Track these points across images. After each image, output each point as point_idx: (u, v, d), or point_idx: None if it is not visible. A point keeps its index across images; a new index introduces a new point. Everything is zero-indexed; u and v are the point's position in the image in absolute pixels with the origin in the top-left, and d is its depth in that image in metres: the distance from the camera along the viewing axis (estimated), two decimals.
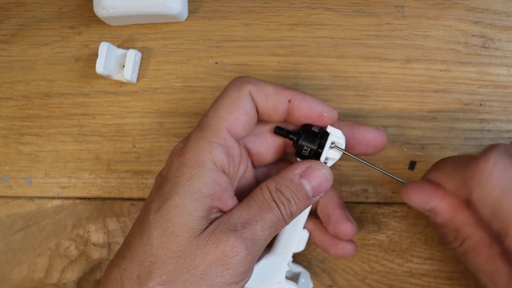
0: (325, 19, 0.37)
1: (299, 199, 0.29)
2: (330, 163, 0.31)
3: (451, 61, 0.37)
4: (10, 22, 0.39)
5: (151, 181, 0.37)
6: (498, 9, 0.37)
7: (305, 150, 0.30)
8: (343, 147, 0.30)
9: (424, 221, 0.36)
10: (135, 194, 0.37)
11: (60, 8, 0.39)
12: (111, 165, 0.37)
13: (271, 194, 0.29)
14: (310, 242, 0.34)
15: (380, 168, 0.31)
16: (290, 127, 0.32)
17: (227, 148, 0.29)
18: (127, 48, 0.37)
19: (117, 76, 0.37)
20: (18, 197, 0.38)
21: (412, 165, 0.36)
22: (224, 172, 0.29)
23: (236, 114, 0.29)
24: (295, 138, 0.31)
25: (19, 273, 0.37)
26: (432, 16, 0.37)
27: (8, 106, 0.38)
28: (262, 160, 0.33)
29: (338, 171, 0.37)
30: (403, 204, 0.36)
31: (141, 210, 0.30)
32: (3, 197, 0.38)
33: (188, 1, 0.38)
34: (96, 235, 0.37)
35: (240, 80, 0.30)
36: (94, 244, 0.37)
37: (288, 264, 0.32)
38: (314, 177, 0.30)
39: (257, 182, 0.33)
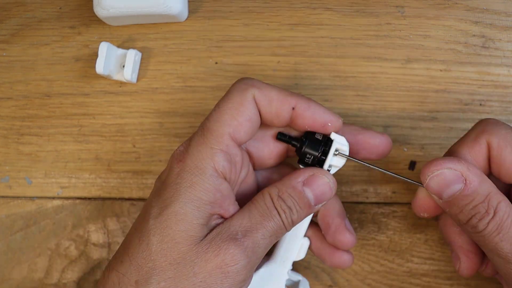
0: (325, 19, 0.37)
1: (300, 207, 0.29)
2: (333, 171, 0.30)
3: (451, 61, 0.37)
4: (10, 22, 0.39)
5: (151, 181, 0.37)
6: (498, 9, 0.37)
7: (308, 157, 0.30)
8: (347, 154, 0.30)
9: (424, 221, 0.36)
10: (135, 194, 0.37)
11: (60, 8, 0.39)
12: (111, 165, 0.37)
13: (272, 202, 0.28)
14: (308, 248, 0.33)
15: (393, 173, 0.30)
16: (293, 133, 0.31)
17: (229, 155, 0.28)
18: (127, 48, 0.37)
19: (117, 76, 0.37)
20: (18, 197, 0.38)
21: (412, 165, 0.36)
22: (225, 178, 0.28)
23: (240, 120, 0.28)
24: (298, 145, 0.30)
25: (19, 273, 0.37)
26: (432, 16, 0.37)
27: (8, 106, 0.38)
28: (263, 164, 0.32)
29: (338, 171, 0.36)
30: (403, 204, 0.36)
31: (140, 214, 0.29)
32: (3, 197, 0.38)
33: (188, 1, 0.38)
34: (96, 235, 0.37)
35: (244, 83, 0.29)
36: (94, 244, 0.37)
37: (287, 273, 0.32)
38: (317, 185, 0.29)
39: (258, 186, 0.33)
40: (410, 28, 0.37)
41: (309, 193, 0.29)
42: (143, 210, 0.29)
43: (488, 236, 0.27)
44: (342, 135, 0.30)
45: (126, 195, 0.37)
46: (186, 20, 0.38)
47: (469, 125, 0.36)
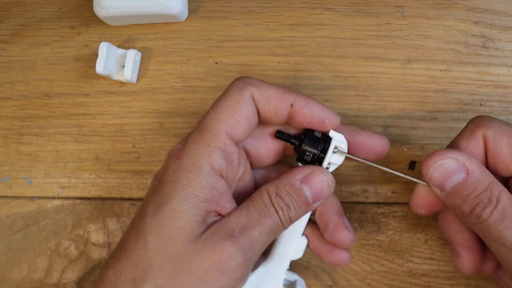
0: (325, 19, 0.37)
1: (298, 205, 0.29)
2: (332, 168, 0.30)
3: (451, 61, 0.37)
4: (10, 22, 0.39)
5: (151, 181, 0.37)
6: (498, 9, 0.37)
7: (307, 155, 0.30)
8: (346, 152, 0.30)
9: (424, 221, 0.36)
10: (135, 194, 0.37)
11: (60, 8, 0.39)
12: (111, 165, 0.37)
13: (270, 199, 0.28)
14: (306, 247, 0.33)
15: (392, 169, 0.30)
16: (292, 131, 0.31)
17: (226, 153, 0.28)
18: (127, 48, 0.37)
19: (117, 76, 0.37)
20: (18, 197, 0.38)
21: (412, 165, 0.36)
22: (222, 176, 0.28)
23: (237, 118, 0.28)
24: (297, 143, 0.30)
25: (19, 273, 0.37)
26: (432, 16, 0.37)
27: (8, 106, 0.38)
28: (261, 163, 0.32)
29: (338, 171, 0.36)
30: (403, 204, 0.36)
31: (137, 213, 0.29)
32: (3, 197, 0.38)
33: (188, 1, 0.38)
34: (96, 235, 0.37)
35: (242, 81, 0.29)
36: (94, 244, 0.37)
37: (285, 272, 0.32)
38: (316, 183, 0.29)
39: (256, 184, 0.33)
40: (410, 28, 0.37)
41: (307, 191, 0.29)
42: (140, 209, 0.29)
43: (493, 225, 0.27)
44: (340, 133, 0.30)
45: (126, 195, 0.37)
46: (186, 20, 0.38)
47: None
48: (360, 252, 0.36)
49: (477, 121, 0.29)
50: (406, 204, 0.36)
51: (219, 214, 0.28)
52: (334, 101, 0.37)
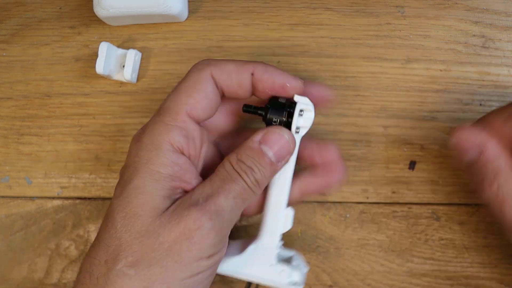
0: (325, 19, 0.37)
1: (262, 166, 0.29)
2: (303, 132, 0.30)
3: (451, 61, 0.37)
4: (10, 22, 0.39)
5: None
6: (498, 9, 0.37)
7: (274, 122, 0.30)
8: (313, 113, 0.30)
9: (424, 221, 0.36)
10: None
11: (60, 8, 0.39)
12: (111, 165, 0.37)
13: (232, 166, 0.28)
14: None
15: None
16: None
17: (185, 131, 0.29)
18: (127, 48, 0.37)
19: (117, 76, 0.37)
20: (18, 197, 0.38)
21: (412, 165, 0.36)
22: (183, 153, 0.29)
23: (196, 98, 0.29)
24: (264, 113, 0.30)
25: (19, 273, 0.37)
26: (432, 16, 0.37)
27: (8, 106, 0.38)
28: (219, 128, 0.32)
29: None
30: (403, 204, 0.36)
31: None
32: (3, 197, 0.38)
33: (188, 1, 0.38)
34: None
35: (201, 63, 0.30)
36: None
37: (278, 247, 0.32)
38: (274, 141, 0.29)
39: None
40: (410, 28, 0.37)
41: (268, 150, 0.29)
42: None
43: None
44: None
45: None
46: (186, 20, 0.38)
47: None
48: (360, 252, 0.36)
49: None
50: (406, 204, 0.36)
51: (186, 191, 0.29)
52: (334, 101, 0.37)
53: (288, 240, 0.36)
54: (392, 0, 0.37)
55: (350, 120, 0.37)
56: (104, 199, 0.38)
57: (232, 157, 0.29)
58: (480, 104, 0.36)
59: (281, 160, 0.30)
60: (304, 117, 0.30)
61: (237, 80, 0.30)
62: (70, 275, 0.37)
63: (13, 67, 0.38)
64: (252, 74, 0.30)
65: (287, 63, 0.37)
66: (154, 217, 0.27)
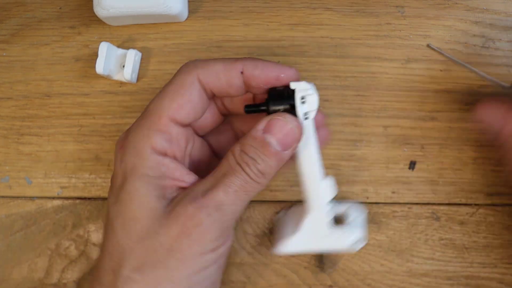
0: (325, 19, 0.37)
1: (266, 155, 0.28)
2: (312, 115, 0.29)
3: (451, 61, 0.37)
4: (10, 22, 0.39)
5: None
6: (498, 9, 0.37)
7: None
8: (316, 96, 0.29)
9: (424, 221, 0.36)
10: None
11: (60, 8, 0.39)
12: (111, 165, 0.37)
13: (235, 158, 0.28)
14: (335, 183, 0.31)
15: (478, 70, 0.31)
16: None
17: (168, 134, 0.28)
18: (127, 48, 0.37)
19: (117, 76, 0.37)
20: (18, 197, 0.38)
21: (412, 165, 0.36)
22: (167, 155, 0.28)
23: (179, 102, 0.28)
24: (266, 107, 0.29)
25: (19, 273, 0.37)
26: (432, 16, 0.37)
27: (8, 106, 0.38)
28: (210, 126, 0.32)
29: (338, 171, 0.37)
30: (403, 204, 0.36)
31: None
32: (3, 197, 0.38)
33: (188, 1, 0.38)
34: (96, 235, 0.37)
35: (187, 66, 0.29)
36: (94, 244, 0.37)
37: (329, 215, 0.31)
38: (278, 129, 0.28)
39: (214, 152, 0.33)
40: (410, 28, 0.37)
41: (271, 139, 0.28)
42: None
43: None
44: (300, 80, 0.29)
45: None
46: (186, 20, 0.38)
47: (469, 125, 0.36)
48: (360, 252, 0.36)
49: None
50: (406, 204, 0.36)
51: (182, 188, 0.28)
52: (334, 101, 0.37)
53: None
54: (392, 0, 0.37)
55: (350, 120, 0.37)
56: (104, 199, 0.38)
57: (236, 148, 0.28)
58: None
59: (288, 148, 0.28)
60: (308, 101, 0.29)
61: (226, 80, 0.29)
62: (70, 275, 0.37)
63: (13, 67, 0.38)
64: (242, 72, 0.29)
65: (287, 63, 0.37)
66: (152, 218, 0.27)
